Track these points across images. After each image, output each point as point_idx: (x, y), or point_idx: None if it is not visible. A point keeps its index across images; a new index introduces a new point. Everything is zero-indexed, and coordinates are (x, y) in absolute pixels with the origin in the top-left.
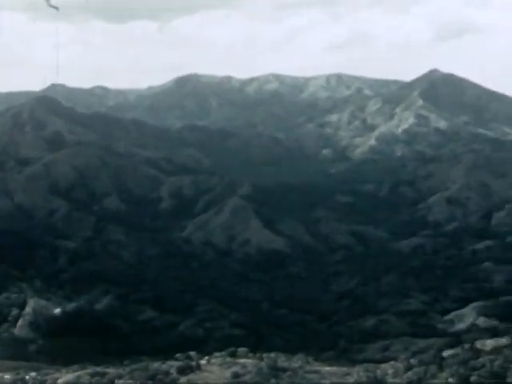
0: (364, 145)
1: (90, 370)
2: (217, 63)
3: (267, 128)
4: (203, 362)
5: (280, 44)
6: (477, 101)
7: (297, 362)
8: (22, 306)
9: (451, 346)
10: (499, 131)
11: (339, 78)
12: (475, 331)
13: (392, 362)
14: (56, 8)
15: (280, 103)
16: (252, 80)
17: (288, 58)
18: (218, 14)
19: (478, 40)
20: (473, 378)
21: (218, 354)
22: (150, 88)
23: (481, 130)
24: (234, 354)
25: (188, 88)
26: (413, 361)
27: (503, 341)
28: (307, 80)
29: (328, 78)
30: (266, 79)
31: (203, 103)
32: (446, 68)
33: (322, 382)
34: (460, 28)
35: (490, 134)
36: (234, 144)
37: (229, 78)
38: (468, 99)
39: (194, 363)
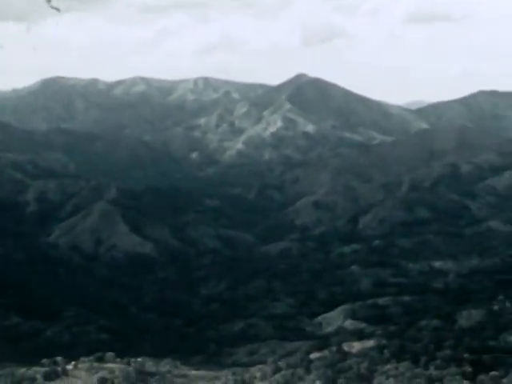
0: (232, 148)
1: None
2: (83, 65)
3: (134, 131)
4: (70, 367)
5: (147, 47)
6: (344, 105)
7: (165, 366)
8: None
9: (319, 349)
10: (366, 135)
11: (206, 81)
12: (342, 334)
13: (260, 366)
14: (57, 9)
15: (147, 106)
16: (119, 82)
17: (156, 61)
18: (84, 16)
19: (345, 45)
20: (340, 381)
21: (85, 358)
22: (15, 90)
23: (347, 134)
24: (101, 359)
25: (53, 90)
26: (281, 364)
27: (370, 343)
28: (175, 83)
29: (196, 81)
30: (133, 82)
31: (69, 106)
32: (313, 73)
33: None
34: (328, 33)
35: (356, 137)
36: (100, 147)
37: (95, 81)
38: (335, 103)
39: (60, 368)
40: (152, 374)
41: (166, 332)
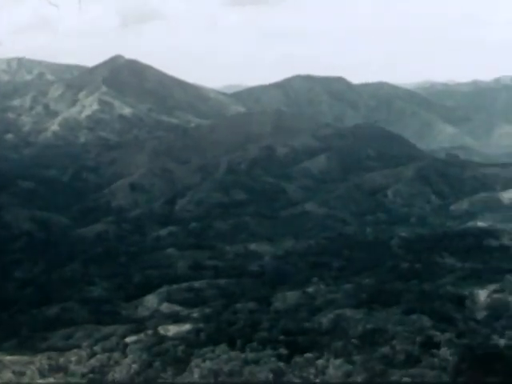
0: (47, 130)
1: None
2: None
3: None
4: None
5: None
6: (160, 88)
7: None
8: None
9: (135, 333)
10: (182, 118)
11: (20, 61)
12: (159, 317)
13: (75, 350)
14: (56, 6)
15: None
16: None
17: None
18: None
19: (163, 27)
20: (156, 364)
21: None
22: None
23: (164, 117)
24: None
25: None
26: (96, 348)
27: (186, 326)
28: None
29: (9, 61)
30: None
31: None
32: (130, 54)
33: (4, 371)
34: (145, 15)
35: (173, 121)
36: None
37: None
38: (152, 86)
39: None
40: None
41: None
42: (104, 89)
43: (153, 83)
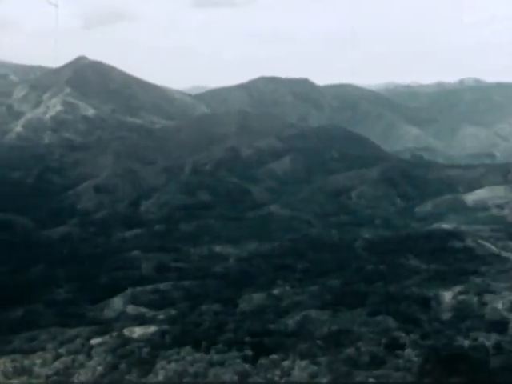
0: (11, 132)
1: None
2: None
3: None
4: None
5: None
6: (124, 89)
7: None
8: None
9: (100, 335)
10: (147, 119)
11: None
12: (124, 319)
13: (40, 352)
14: (55, 5)
15: None
16: None
17: None
18: None
19: (128, 28)
20: (121, 366)
21: None
22: None
23: (128, 118)
24: None
25: None
26: (61, 350)
27: (151, 328)
28: None
29: None
30: None
31: None
32: (95, 55)
33: None
34: (110, 15)
35: (137, 121)
36: None
37: None
38: (116, 87)
39: None
40: None
41: None
42: (68, 90)
43: (117, 84)
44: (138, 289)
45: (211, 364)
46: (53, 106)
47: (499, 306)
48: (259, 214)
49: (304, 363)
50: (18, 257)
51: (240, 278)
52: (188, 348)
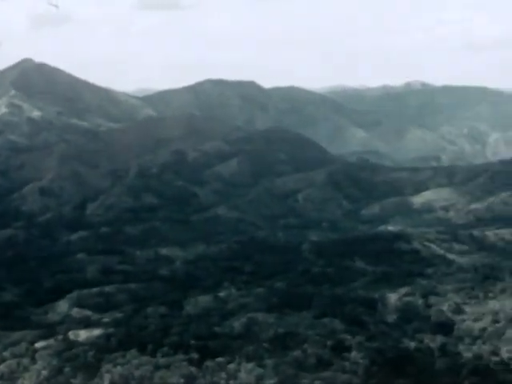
0: None
1: None
2: None
3: None
4: None
5: None
6: (70, 91)
7: None
8: None
9: (44, 338)
10: (93, 122)
11: None
12: (69, 322)
13: None
14: (56, 6)
15: None
16: None
17: None
18: None
19: (74, 30)
20: (66, 370)
21: None
22: None
23: (74, 121)
24: None
25: None
26: (5, 354)
27: (97, 331)
28: None
29: None
30: None
31: None
32: (40, 58)
33: None
34: (56, 18)
35: (83, 124)
36: None
37: None
38: (61, 89)
39: None
40: None
41: None
42: (13, 92)
43: (63, 86)
44: (83, 292)
45: (157, 367)
46: None
47: (444, 307)
48: (206, 216)
49: (250, 366)
50: None
51: (186, 280)
52: (134, 351)
